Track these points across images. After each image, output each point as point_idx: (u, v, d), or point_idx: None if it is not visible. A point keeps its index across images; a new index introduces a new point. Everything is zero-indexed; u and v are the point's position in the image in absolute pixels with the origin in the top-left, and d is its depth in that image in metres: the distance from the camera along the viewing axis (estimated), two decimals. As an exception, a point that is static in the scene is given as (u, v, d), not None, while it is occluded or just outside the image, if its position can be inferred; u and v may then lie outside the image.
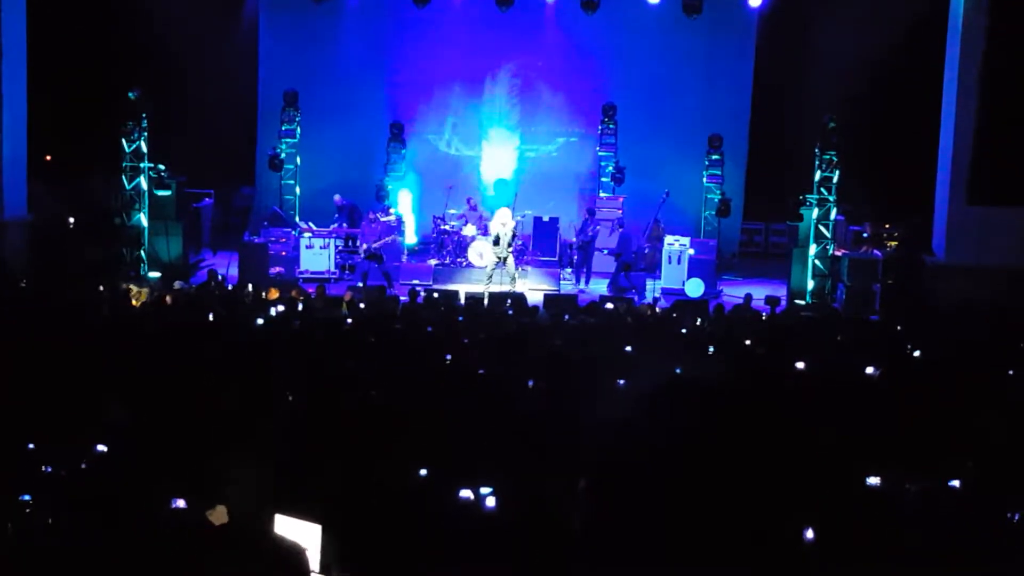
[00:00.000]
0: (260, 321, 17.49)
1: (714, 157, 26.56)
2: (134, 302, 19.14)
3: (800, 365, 15.40)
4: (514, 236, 23.03)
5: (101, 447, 10.59)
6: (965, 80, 22.40)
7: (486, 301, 20.28)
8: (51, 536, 8.05)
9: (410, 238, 26.39)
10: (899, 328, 18.98)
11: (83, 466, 10.03)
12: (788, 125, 25.90)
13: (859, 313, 20.70)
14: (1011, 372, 14.96)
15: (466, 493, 9.33)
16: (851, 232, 24.26)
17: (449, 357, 15.17)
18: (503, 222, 22.88)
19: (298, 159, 26.78)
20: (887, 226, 24.07)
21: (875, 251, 23.14)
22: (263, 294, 20.15)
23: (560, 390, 13.67)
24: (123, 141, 22.97)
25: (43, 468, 10.05)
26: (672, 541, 1.43)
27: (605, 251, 24.31)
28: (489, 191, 27.26)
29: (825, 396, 13.66)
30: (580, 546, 1.52)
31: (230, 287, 20.75)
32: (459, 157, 28.08)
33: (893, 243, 23.18)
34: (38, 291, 18.99)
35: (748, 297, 20.97)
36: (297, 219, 25.87)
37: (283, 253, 23.94)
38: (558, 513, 7.97)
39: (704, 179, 26.71)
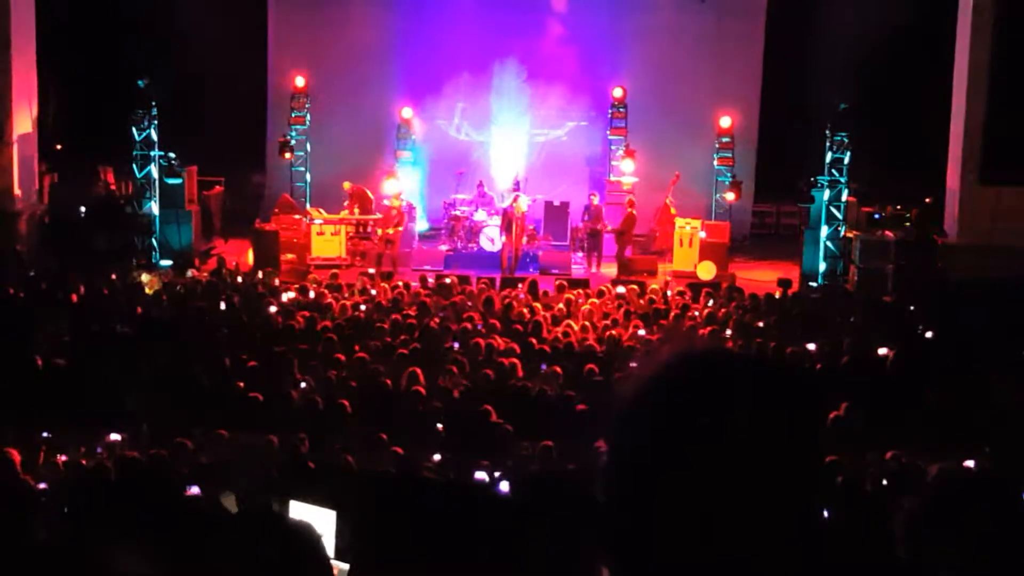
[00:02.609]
0: (273, 309, 17.53)
1: (724, 139, 26.48)
2: (147, 290, 19.19)
3: (811, 346, 15.42)
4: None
5: (115, 436, 10.63)
6: (976, 59, 22.33)
7: (498, 286, 20.30)
8: (67, 525, 8.08)
9: (420, 224, 26.35)
10: (912, 309, 18.97)
11: (99, 452, 10.08)
12: (799, 106, 25.79)
13: (872, 294, 20.66)
14: (1024, 352, 14.94)
15: (481, 476, 9.35)
16: (863, 213, 24.19)
17: (457, 345, 15.21)
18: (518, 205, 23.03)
19: (308, 145, 26.77)
20: (899, 207, 24.02)
21: (887, 232, 23.09)
22: (275, 281, 20.20)
23: (575, 373, 13.70)
24: (133, 129, 22.97)
25: (59, 456, 10.09)
26: (689, 514, 1.43)
27: (609, 227, 24.25)
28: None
29: (839, 376, 13.67)
30: (605, 520, 1.52)
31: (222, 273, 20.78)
32: (469, 142, 28.03)
33: (906, 224, 23.12)
34: (50, 280, 19.03)
35: (732, 277, 21.07)
36: (308, 205, 25.86)
37: (294, 240, 23.93)
38: (581, 486, 7.97)
39: (715, 161, 26.64)
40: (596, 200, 24.79)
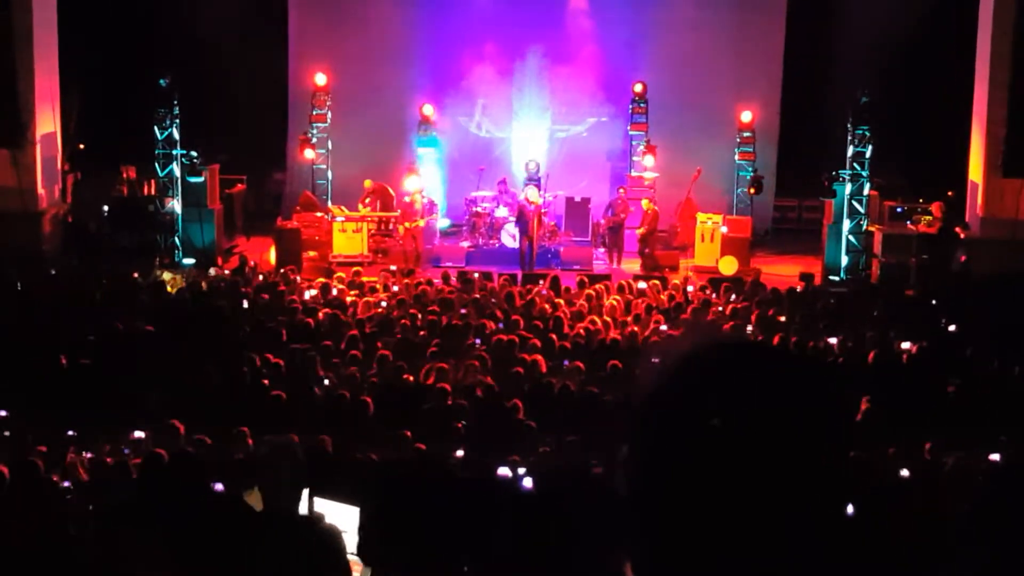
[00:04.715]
0: (295, 307, 17.57)
1: (746, 134, 26.40)
2: (170, 289, 19.27)
3: (833, 341, 15.38)
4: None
5: (139, 433, 10.68)
6: (998, 50, 22.22)
7: (520, 282, 20.30)
8: (93, 522, 8.12)
9: (441, 221, 26.34)
10: (934, 303, 18.89)
11: (124, 451, 10.13)
12: (820, 99, 25.72)
13: (894, 288, 20.58)
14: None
15: (504, 471, 9.36)
16: (885, 207, 24.10)
17: (479, 341, 15.22)
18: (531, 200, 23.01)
19: (329, 143, 26.80)
20: (921, 200, 23.92)
21: (909, 226, 23.00)
22: (297, 278, 20.24)
23: (595, 369, 13.70)
24: (155, 128, 23.03)
25: (85, 454, 10.15)
26: (712, 507, 1.42)
27: (639, 230, 24.18)
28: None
29: (861, 371, 13.65)
30: (627, 513, 1.52)
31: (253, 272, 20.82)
32: (490, 139, 28.02)
33: (928, 217, 23.02)
34: (74, 279, 19.14)
35: (757, 272, 21.03)
36: (329, 203, 25.89)
37: (316, 237, 23.97)
38: (604, 482, 7.97)
39: (736, 156, 26.57)
40: (623, 194, 24.73)
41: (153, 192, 23.81)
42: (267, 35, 27.56)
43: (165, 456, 8.93)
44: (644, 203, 24.22)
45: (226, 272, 21.01)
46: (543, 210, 23.70)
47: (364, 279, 19.84)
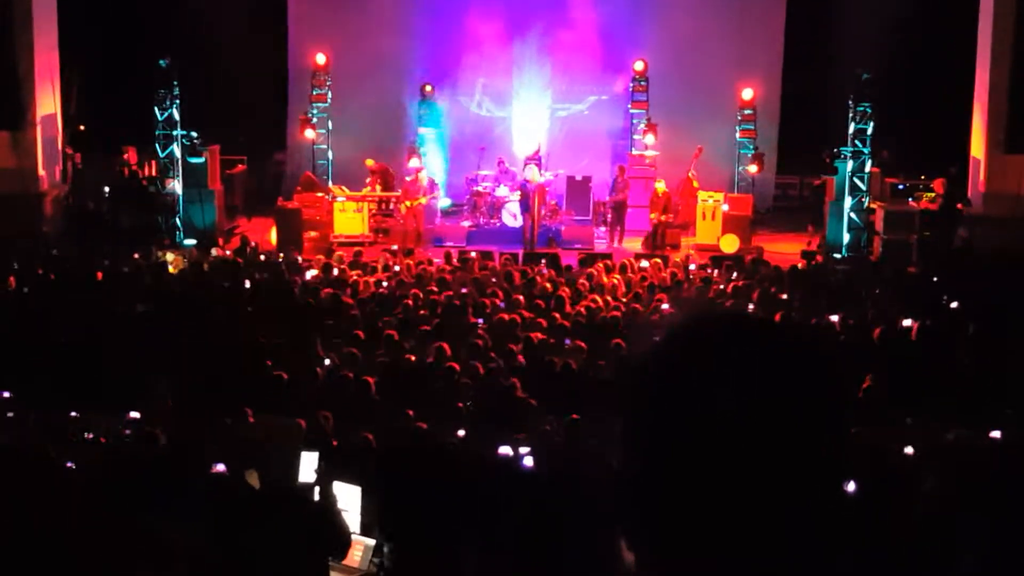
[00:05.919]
0: (296, 287, 17.58)
1: (746, 111, 26.34)
2: (171, 270, 19.27)
3: (834, 318, 15.37)
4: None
5: (134, 413, 10.66)
6: (1000, 27, 22.16)
7: (520, 261, 20.30)
8: (92, 504, 8.11)
9: (442, 200, 26.31)
10: (936, 280, 18.88)
11: (126, 433, 10.12)
12: (822, 76, 25.64)
13: (896, 265, 20.56)
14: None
15: (505, 450, 9.36)
16: (887, 184, 24.04)
17: (480, 320, 15.20)
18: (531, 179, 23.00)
19: (330, 123, 26.75)
20: (923, 177, 23.87)
21: (911, 203, 22.97)
22: (299, 259, 20.24)
23: (597, 347, 13.70)
24: (155, 109, 23.00)
25: (85, 435, 10.15)
26: (708, 482, 1.41)
27: (663, 218, 24.09)
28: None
29: (863, 348, 13.64)
30: (621, 489, 1.51)
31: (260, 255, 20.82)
32: (490, 118, 27.95)
33: (930, 194, 22.97)
34: (75, 260, 19.14)
35: (759, 250, 21.02)
36: (330, 183, 25.87)
37: (317, 218, 23.96)
38: (600, 456, 7.97)
39: (737, 134, 26.50)
40: (622, 173, 24.63)
41: (154, 173, 23.80)
42: (267, 14, 27.49)
43: (164, 436, 8.94)
44: (659, 187, 24.12)
45: (227, 253, 21.00)
46: (546, 188, 23.67)
47: (365, 259, 19.85)
